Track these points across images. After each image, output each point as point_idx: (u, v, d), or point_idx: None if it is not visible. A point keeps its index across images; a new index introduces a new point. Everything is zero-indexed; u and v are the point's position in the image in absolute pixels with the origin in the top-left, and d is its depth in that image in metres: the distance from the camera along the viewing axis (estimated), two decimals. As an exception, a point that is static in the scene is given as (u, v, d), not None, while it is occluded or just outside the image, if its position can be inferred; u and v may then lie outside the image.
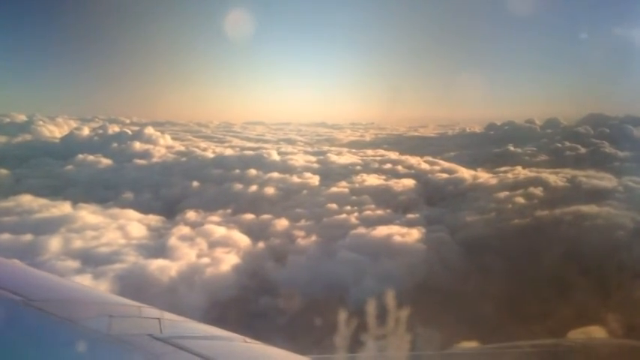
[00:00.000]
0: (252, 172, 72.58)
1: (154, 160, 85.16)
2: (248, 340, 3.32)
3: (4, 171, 70.56)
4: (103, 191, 63.62)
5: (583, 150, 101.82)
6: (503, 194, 59.94)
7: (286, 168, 76.20)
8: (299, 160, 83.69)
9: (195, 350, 2.82)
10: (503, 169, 78.88)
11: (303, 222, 51.74)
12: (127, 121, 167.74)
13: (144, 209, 52.73)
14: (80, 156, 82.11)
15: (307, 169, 76.91)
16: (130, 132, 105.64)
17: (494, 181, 68.92)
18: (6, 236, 37.94)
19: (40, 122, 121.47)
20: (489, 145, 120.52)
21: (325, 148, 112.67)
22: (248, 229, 47.41)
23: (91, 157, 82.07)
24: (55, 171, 74.94)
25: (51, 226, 42.55)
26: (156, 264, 36.23)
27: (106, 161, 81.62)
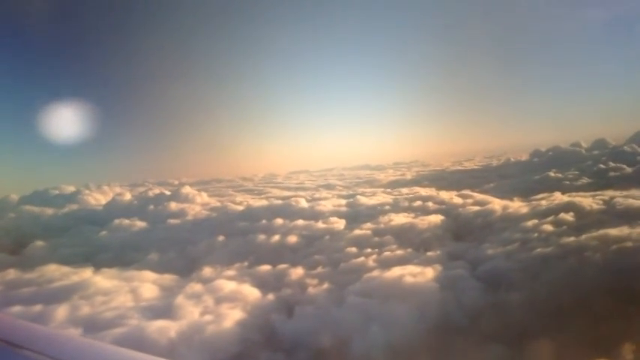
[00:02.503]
0: (279, 221, 72.30)
1: (187, 218, 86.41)
2: None
3: (40, 243, 72.99)
4: (131, 254, 64.58)
5: (628, 169, 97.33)
6: (531, 223, 57.21)
7: (313, 214, 75.47)
8: (327, 205, 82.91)
9: None
10: (540, 196, 75.90)
11: (319, 269, 50.69)
12: (176, 182, 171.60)
13: (165, 269, 52.90)
14: (116, 221, 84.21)
15: (334, 213, 75.91)
16: (168, 193, 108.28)
17: (525, 209, 66.08)
18: (17, 309, 38.63)
19: (87, 192, 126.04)
20: (531, 173, 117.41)
21: (360, 190, 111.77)
22: (261, 281, 46.68)
23: (126, 222, 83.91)
24: (90, 238, 76.91)
25: (65, 294, 43.09)
26: (155, 325, 35.91)
27: (140, 224, 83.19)
